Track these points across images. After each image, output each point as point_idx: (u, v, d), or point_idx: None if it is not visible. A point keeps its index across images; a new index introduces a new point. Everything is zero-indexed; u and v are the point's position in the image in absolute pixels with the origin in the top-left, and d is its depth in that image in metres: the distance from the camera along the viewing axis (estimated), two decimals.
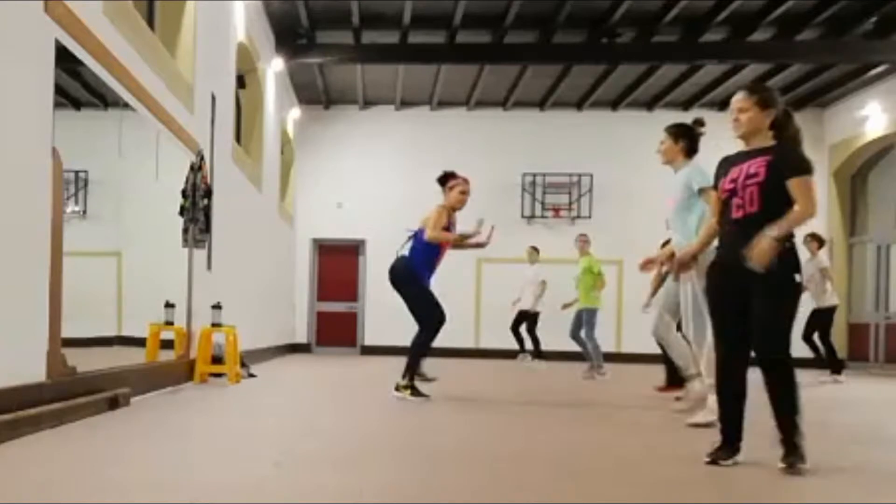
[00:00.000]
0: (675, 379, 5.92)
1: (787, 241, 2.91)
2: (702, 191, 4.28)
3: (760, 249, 2.85)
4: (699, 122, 4.66)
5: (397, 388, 5.48)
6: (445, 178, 5.79)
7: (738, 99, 3.15)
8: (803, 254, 8.85)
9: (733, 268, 3.00)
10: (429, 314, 5.50)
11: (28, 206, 3.54)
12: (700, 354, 4.42)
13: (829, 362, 8.99)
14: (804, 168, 2.98)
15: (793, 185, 2.94)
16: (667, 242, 6.70)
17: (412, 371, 5.49)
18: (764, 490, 2.65)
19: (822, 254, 9.13)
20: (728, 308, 3.08)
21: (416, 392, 5.43)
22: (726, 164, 3.23)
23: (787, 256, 2.92)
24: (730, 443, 3.03)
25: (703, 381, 4.46)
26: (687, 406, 4.78)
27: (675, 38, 10.66)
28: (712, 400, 4.16)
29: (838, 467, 3.06)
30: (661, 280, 6.40)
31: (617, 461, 3.12)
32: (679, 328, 5.00)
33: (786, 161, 3.00)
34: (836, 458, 3.25)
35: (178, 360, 6.13)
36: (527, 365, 10.74)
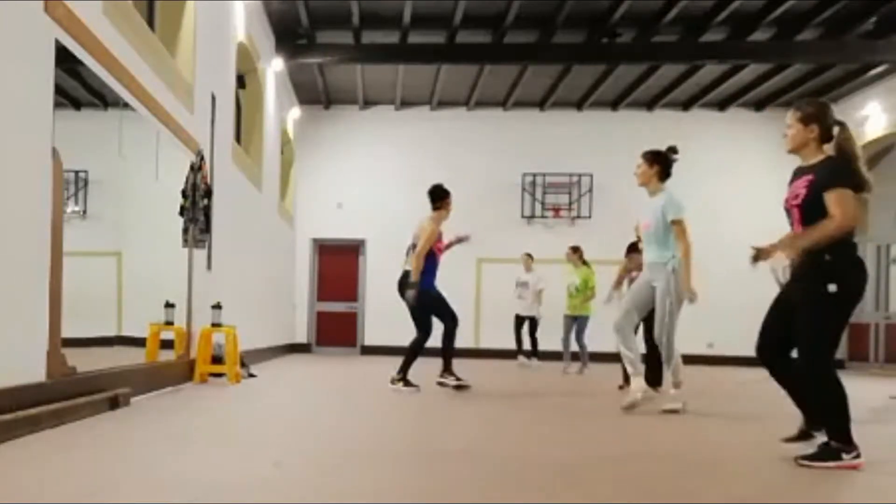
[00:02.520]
0: (653, 378, 6.03)
1: (826, 255, 3.00)
2: (674, 222, 4.84)
3: (781, 246, 3.17)
4: (672, 150, 5.12)
5: (392, 382, 6.18)
6: (443, 194, 6.38)
7: (787, 116, 3.30)
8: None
9: (791, 280, 3.28)
10: (424, 326, 6.21)
11: (28, 206, 3.54)
12: (668, 366, 4.98)
13: None
14: (837, 181, 3.02)
15: (827, 198, 3.02)
16: (632, 246, 6.88)
17: (406, 368, 6.22)
18: (760, 489, 2.65)
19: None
20: (771, 311, 3.33)
21: (408, 383, 6.15)
22: (792, 178, 3.32)
23: (821, 268, 3.01)
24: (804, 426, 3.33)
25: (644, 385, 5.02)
26: (630, 401, 4.98)
27: (675, 38, 10.66)
28: (677, 392, 4.99)
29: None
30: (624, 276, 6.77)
31: (617, 460, 3.12)
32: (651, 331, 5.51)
33: (823, 176, 3.07)
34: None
35: (178, 360, 6.13)
36: (534, 365, 10.82)
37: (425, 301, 6.11)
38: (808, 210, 3.08)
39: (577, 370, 9.72)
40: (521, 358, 11.21)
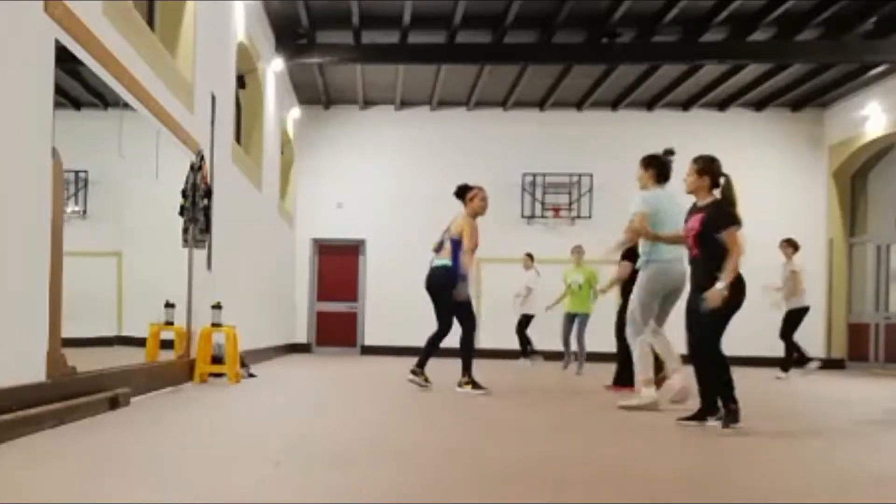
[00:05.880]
0: (624, 378, 6.40)
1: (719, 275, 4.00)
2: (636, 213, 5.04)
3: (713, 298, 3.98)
4: (669, 152, 5.29)
5: (460, 385, 6.11)
6: (463, 191, 6.31)
7: (689, 166, 4.33)
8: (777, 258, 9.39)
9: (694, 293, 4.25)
10: (469, 318, 6.20)
11: (28, 206, 3.54)
12: (634, 349, 5.19)
13: (785, 360, 9.59)
14: (727, 222, 4.06)
15: (724, 237, 4.03)
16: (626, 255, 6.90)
17: (468, 367, 6.16)
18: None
19: (797, 258, 9.62)
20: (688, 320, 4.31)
21: (476, 385, 6.09)
22: (689, 213, 4.42)
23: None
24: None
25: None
26: (637, 401, 5.12)
27: (675, 38, 10.66)
28: (644, 391, 5.13)
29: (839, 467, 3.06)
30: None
31: (617, 461, 3.13)
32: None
33: (713, 217, 4.13)
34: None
35: (178, 360, 6.13)
36: (536, 364, 10.77)
37: (450, 295, 6.12)
38: (702, 241, 4.12)
39: (577, 370, 9.63)
40: (523, 360, 11.05)
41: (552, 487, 2.52)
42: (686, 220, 4.33)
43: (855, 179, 13.47)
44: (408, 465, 2.86)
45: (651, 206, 5.04)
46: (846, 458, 3.37)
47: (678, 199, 5.02)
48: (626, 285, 6.34)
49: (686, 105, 13.55)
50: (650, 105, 13.64)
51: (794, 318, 9.52)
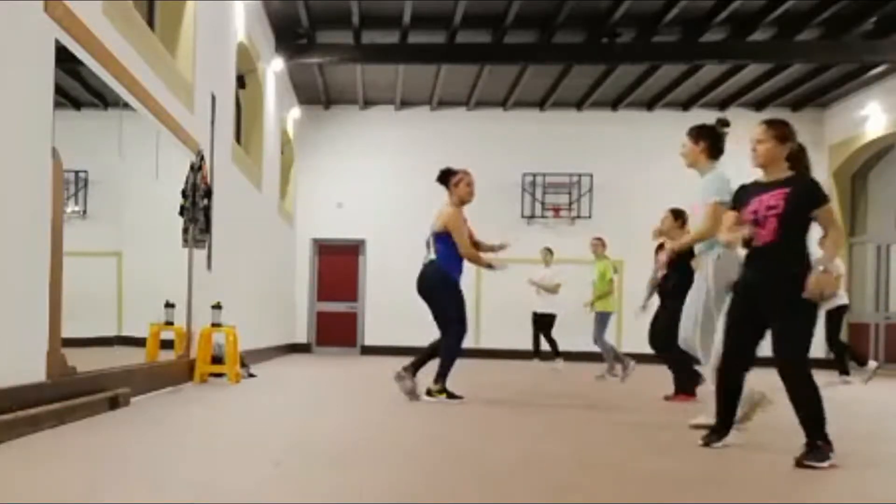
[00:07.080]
0: (684, 387, 5.88)
1: (794, 268, 3.15)
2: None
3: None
4: (722, 122, 4.48)
5: (429, 393, 5.45)
6: (446, 176, 5.64)
7: (757, 131, 3.40)
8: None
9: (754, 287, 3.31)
10: (456, 322, 5.57)
11: (28, 206, 3.54)
12: (707, 358, 4.11)
13: (842, 363, 8.98)
14: (825, 197, 3.23)
15: (820, 213, 3.21)
16: (661, 246, 6.59)
17: (444, 376, 5.47)
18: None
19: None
20: (739, 328, 3.38)
21: (450, 395, 5.44)
22: (749, 191, 3.40)
23: (796, 281, 3.10)
24: (723, 428, 3.49)
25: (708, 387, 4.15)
26: (705, 419, 4.07)
27: (675, 38, 10.66)
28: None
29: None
30: (656, 284, 6.48)
31: (616, 464, 3.12)
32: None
33: (807, 191, 3.23)
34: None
35: (178, 360, 6.13)
36: (553, 367, 10.10)
37: (450, 291, 5.54)
38: (788, 221, 3.18)
39: (602, 373, 8.68)
40: (557, 360, 10.33)
41: (552, 488, 2.52)
42: (743, 201, 3.37)
43: (855, 179, 13.46)
44: (408, 465, 2.86)
45: (728, 194, 3.87)
46: (847, 460, 3.37)
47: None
48: (668, 287, 5.80)
49: (686, 105, 13.53)
50: (650, 105, 13.62)
51: (835, 318, 8.86)
